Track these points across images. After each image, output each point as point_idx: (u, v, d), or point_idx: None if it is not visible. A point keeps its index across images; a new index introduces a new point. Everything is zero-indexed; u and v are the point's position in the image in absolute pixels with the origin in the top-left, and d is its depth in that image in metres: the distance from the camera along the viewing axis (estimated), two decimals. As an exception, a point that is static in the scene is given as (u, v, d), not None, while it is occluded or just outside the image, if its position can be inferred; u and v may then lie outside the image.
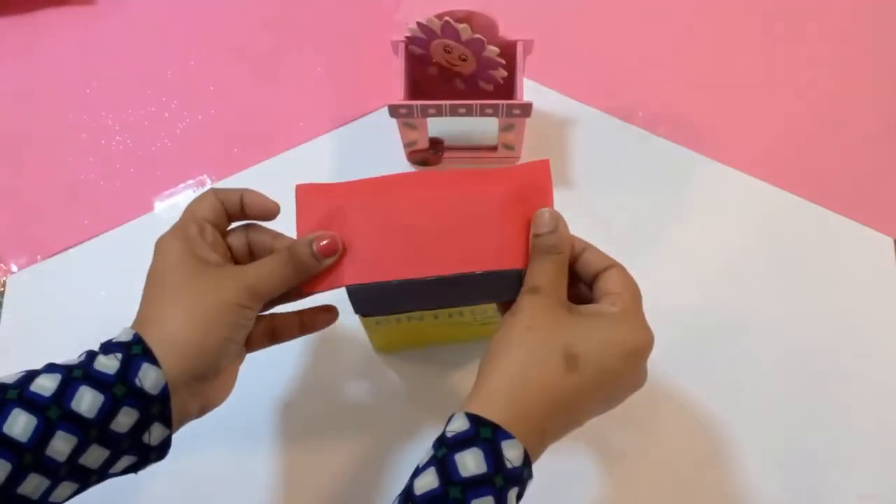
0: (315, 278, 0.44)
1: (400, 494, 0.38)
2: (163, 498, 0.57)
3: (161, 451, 0.42)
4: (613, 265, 0.44)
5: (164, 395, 0.40)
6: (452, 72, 0.62)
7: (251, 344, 0.47)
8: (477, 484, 0.36)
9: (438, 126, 0.67)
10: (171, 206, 0.68)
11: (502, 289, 0.44)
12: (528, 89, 0.64)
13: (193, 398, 0.42)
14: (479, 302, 0.48)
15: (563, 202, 0.46)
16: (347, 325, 0.50)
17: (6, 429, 0.36)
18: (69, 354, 0.41)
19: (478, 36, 0.56)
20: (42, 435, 0.37)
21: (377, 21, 0.76)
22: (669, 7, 0.76)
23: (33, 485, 0.37)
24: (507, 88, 0.62)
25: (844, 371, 0.60)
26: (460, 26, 0.55)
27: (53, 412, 0.37)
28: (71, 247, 0.67)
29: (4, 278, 0.65)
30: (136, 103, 0.73)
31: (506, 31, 0.58)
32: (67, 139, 0.71)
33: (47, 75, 0.74)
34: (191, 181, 0.69)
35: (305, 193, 0.47)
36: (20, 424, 0.37)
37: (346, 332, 0.50)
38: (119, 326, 0.42)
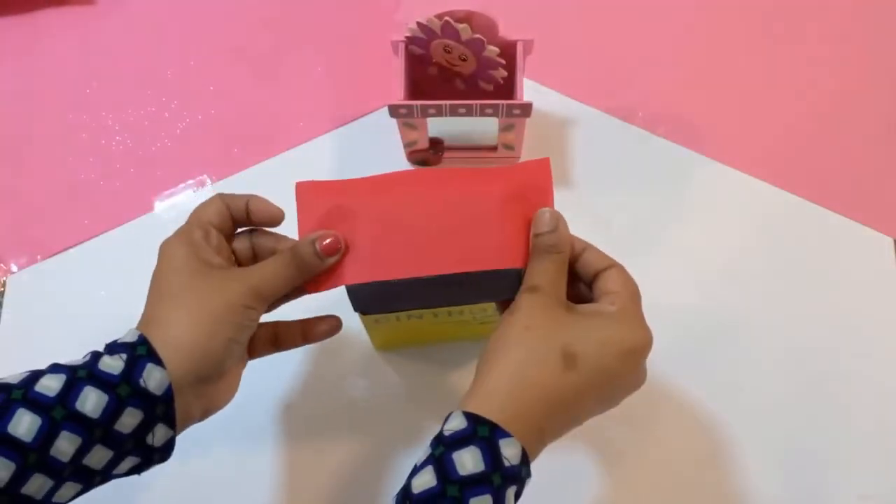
0: (316, 278, 0.45)
1: (398, 493, 0.38)
2: (164, 498, 0.57)
3: (165, 452, 0.42)
4: (613, 265, 0.44)
5: (169, 395, 0.40)
6: (452, 72, 0.62)
7: (254, 351, 0.47)
8: (475, 482, 0.36)
9: (438, 126, 0.67)
10: (171, 206, 0.68)
11: (502, 288, 0.44)
12: (528, 89, 0.64)
13: (197, 400, 0.42)
14: (478, 301, 0.48)
15: (563, 202, 0.46)
16: (347, 323, 0.50)
17: (11, 429, 0.36)
18: (69, 355, 0.41)
19: (478, 36, 0.56)
20: (46, 435, 0.37)
21: (377, 21, 0.76)
22: (669, 7, 0.76)
23: (37, 485, 0.37)
24: (507, 88, 0.62)
25: (844, 371, 0.60)
26: (460, 26, 0.55)
27: (58, 412, 0.37)
28: (71, 247, 0.67)
29: (4, 278, 0.65)
30: (136, 103, 0.73)
31: (506, 31, 0.58)
32: (67, 139, 0.71)
33: (47, 75, 0.74)
34: (191, 181, 0.69)
35: (306, 191, 0.47)
36: (25, 424, 0.37)
37: (346, 331, 0.50)
38: (119, 326, 0.42)
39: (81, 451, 0.38)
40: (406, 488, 0.37)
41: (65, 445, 0.37)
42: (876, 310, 0.62)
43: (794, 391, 0.60)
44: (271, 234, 0.47)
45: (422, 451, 0.39)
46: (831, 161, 0.69)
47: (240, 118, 0.72)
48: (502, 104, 0.58)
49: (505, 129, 0.63)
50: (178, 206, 0.68)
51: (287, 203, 0.46)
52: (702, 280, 0.63)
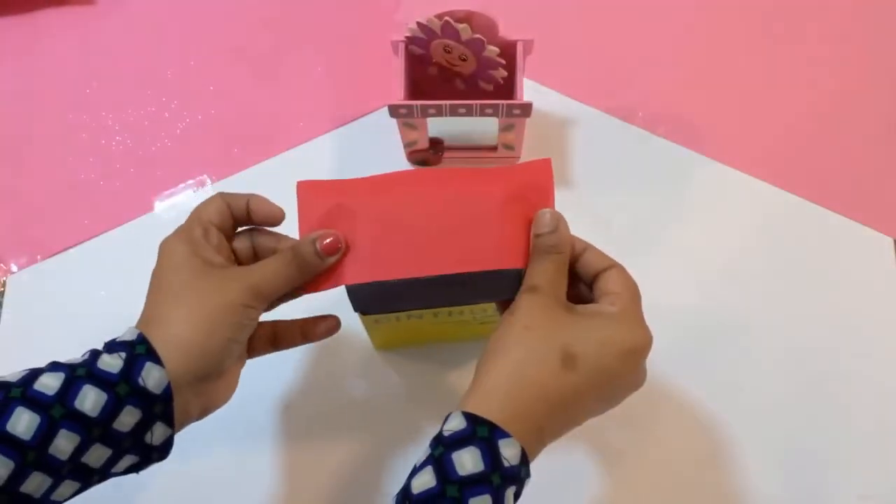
0: (316, 278, 0.45)
1: (398, 493, 0.38)
2: (164, 498, 0.57)
3: (163, 451, 0.42)
4: (613, 265, 0.44)
5: (167, 394, 0.40)
6: (452, 72, 0.62)
7: (253, 350, 0.47)
8: (474, 482, 0.36)
9: (438, 126, 0.67)
10: (171, 206, 0.68)
11: (502, 288, 0.44)
12: (528, 89, 0.64)
13: (196, 398, 0.42)
14: (478, 301, 0.48)
15: (563, 202, 0.46)
16: (347, 323, 0.50)
17: (10, 427, 0.36)
18: (69, 354, 0.41)
19: (478, 36, 0.56)
20: (45, 433, 0.37)
21: (377, 21, 0.76)
22: (669, 7, 0.76)
23: (36, 483, 0.37)
24: (507, 88, 0.62)
25: (844, 371, 0.60)
26: (460, 26, 0.55)
27: (57, 410, 0.37)
28: (71, 247, 0.67)
29: (4, 278, 0.65)
30: (136, 103, 0.73)
31: (506, 31, 0.58)
32: (67, 139, 0.71)
33: (47, 75, 0.74)
34: (191, 181, 0.69)
35: (307, 190, 0.47)
36: (23, 422, 0.37)
37: (346, 331, 0.50)
38: (119, 326, 0.42)
39: (80, 450, 0.38)
40: (406, 488, 0.37)
41: (63, 444, 0.37)
42: (876, 310, 0.62)
43: (794, 391, 0.60)
44: (272, 233, 0.47)
45: (422, 451, 0.39)
46: (831, 161, 0.69)
47: (240, 118, 0.72)
48: (502, 104, 0.58)
49: (505, 129, 0.63)
50: (178, 206, 0.68)
51: (287, 203, 0.46)
52: (702, 280, 0.63)
